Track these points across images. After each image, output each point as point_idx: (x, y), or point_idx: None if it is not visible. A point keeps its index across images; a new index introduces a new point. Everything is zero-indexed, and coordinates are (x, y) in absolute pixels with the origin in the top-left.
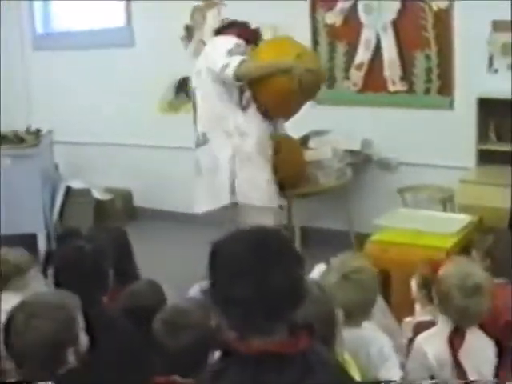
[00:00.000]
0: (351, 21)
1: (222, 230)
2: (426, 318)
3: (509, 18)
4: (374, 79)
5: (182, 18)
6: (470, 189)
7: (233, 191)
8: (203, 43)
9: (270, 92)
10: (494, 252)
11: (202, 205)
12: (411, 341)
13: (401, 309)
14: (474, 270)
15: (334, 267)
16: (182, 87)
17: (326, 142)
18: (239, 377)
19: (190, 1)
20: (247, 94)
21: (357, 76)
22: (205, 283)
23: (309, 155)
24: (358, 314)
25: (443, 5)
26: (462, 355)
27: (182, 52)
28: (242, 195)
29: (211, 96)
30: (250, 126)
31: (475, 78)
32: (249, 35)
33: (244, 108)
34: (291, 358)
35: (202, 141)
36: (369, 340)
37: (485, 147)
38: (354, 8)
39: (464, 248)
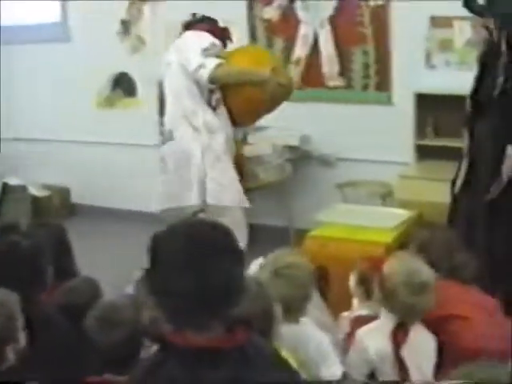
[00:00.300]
0: (289, 16)
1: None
2: (363, 312)
3: (447, 14)
4: (312, 75)
5: (118, 12)
6: (409, 184)
7: (202, 191)
8: (141, 39)
9: (241, 100)
10: (428, 247)
11: (164, 202)
12: (349, 335)
13: (339, 304)
14: (421, 266)
15: (267, 263)
16: (120, 82)
17: (264, 137)
18: (175, 370)
19: None
20: (217, 95)
21: (295, 72)
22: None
23: (248, 151)
24: (293, 309)
25: (380, 0)
26: (405, 351)
27: (118, 47)
28: (213, 196)
29: (181, 91)
30: (219, 124)
31: (413, 73)
32: (219, 33)
33: (213, 108)
34: (228, 352)
35: (169, 137)
36: (307, 336)
37: (423, 142)
38: (291, 3)
39: (403, 243)
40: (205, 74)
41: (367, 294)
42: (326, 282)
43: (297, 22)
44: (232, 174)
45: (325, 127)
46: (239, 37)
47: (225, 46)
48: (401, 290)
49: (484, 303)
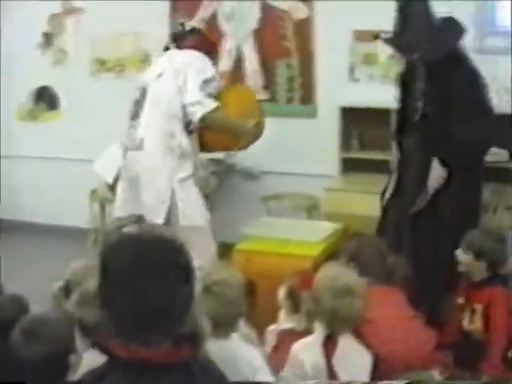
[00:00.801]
0: (213, 30)
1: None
2: (289, 325)
3: (370, 28)
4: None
5: (40, 25)
6: (335, 197)
7: (167, 211)
8: (63, 51)
9: (218, 138)
10: (359, 255)
11: (121, 210)
12: (275, 348)
13: (266, 317)
14: (344, 272)
15: (199, 279)
16: (42, 96)
17: None
18: (117, 382)
19: (49, 8)
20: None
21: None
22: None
23: None
24: (223, 326)
25: (304, 14)
26: (335, 361)
27: (40, 60)
28: (183, 216)
29: (164, 107)
30: (191, 149)
31: (337, 86)
32: (208, 47)
33: (189, 132)
34: (172, 367)
35: (138, 145)
36: (238, 353)
37: (348, 155)
38: (214, 17)
39: (330, 256)
40: (199, 112)
41: (295, 308)
42: (252, 296)
43: (221, 36)
44: (199, 196)
45: None
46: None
47: (212, 59)
48: (324, 295)
49: (402, 310)
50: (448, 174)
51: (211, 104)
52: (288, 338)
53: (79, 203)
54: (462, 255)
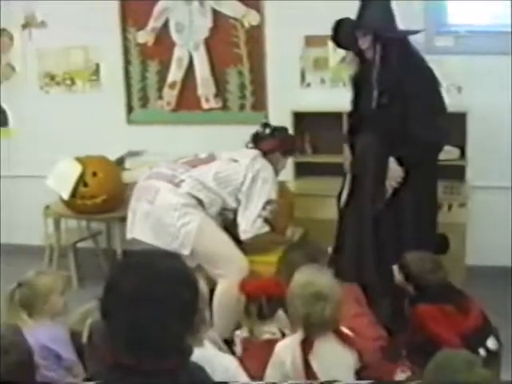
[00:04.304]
0: (163, 39)
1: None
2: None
3: (321, 33)
4: (187, 97)
5: None
6: None
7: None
8: (11, 66)
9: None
10: (286, 262)
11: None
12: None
13: None
14: (317, 277)
15: None
16: None
17: (142, 162)
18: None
19: None
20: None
21: (170, 95)
22: None
23: (127, 177)
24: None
25: (255, 21)
26: (313, 362)
27: None
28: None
29: (214, 188)
30: None
31: (289, 92)
32: (287, 147)
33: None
34: (158, 375)
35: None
36: (214, 360)
37: (301, 160)
38: (165, 27)
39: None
40: (250, 233)
41: (259, 313)
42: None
43: (171, 45)
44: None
45: (203, 150)
46: (114, 62)
47: (290, 154)
48: (296, 302)
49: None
50: (405, 173)
51: (263, 227)
52: (250, 345)
53: (32, 220)
54: (396, 273)
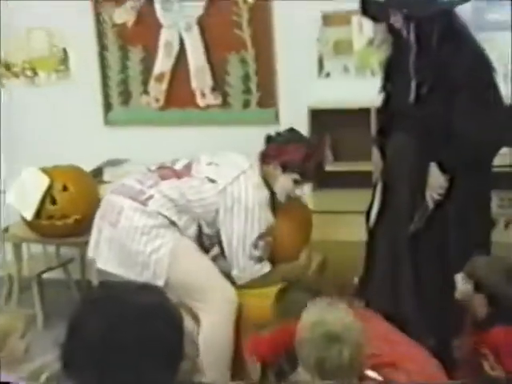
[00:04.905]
0: (147, 19)
1: None
2: None
3: (343, 9)
4: (178, 92)
5: None
6: None
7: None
8: None
9: None
10: None
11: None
12: None
13: None
14: (329, 313)
15: None
16: None
17: (123, 173)
18: None
19: None
20: None
21: (157, 89)
22: None
23: (105, 192)
24: None
25: None
26: None
27: None
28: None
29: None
30: None
31: (304, 84)
32: (292, 156)
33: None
34: None
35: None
36: None
37: None
38: (149, 3)
39: None
40: (242, 278)
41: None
42: None
43: (157, 27)
44: None
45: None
46: (86, 48)
47: (296, 172)
48: (306, 346)
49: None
50: (450, 182)
51: (262, 268)
52: None
53: None
54: (461, 283)
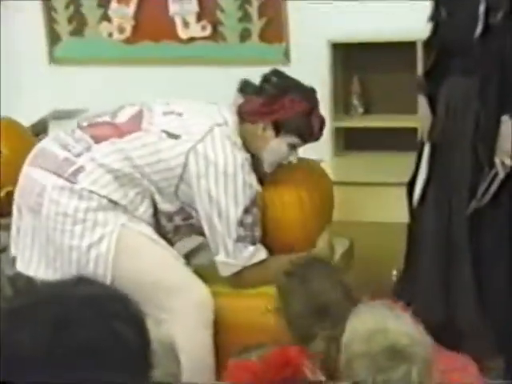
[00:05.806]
0: None
1: None
2: None
3: None
4: (151, 19)
5: None
6: None
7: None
8: None
9: None
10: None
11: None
12: None
13: None
14: (389, 322)
15: None
16: None
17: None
18: None
19: None
20: None
21: (122, 15)
22: None
23: None
24: None
25: None
26: None
27: None
28: None
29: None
30: None
31: (323, 10)
32: (286, 112)
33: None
34: None
35: None
36: None
37: (346, 124)
38: None
39: None
40: (231, 265)
41: None
42: None
43: None
44: None
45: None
46: None
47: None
48: (357, 365)
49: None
50: None
51: (256, 254)
52: None
53: None
54: None
